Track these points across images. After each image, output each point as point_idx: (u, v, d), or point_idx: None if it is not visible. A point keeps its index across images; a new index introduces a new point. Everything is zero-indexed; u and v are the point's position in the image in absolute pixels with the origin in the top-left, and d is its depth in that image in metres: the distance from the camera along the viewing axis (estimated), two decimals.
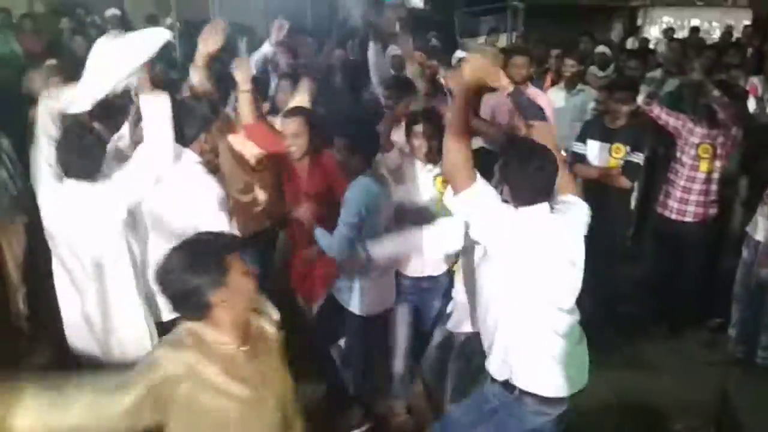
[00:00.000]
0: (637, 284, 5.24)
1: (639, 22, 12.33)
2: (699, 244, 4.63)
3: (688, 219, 4.55)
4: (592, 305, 4.67)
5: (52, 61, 5.65)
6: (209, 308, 1.92)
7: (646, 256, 5.35)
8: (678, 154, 4.57)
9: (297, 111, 3.63)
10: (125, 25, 9.09)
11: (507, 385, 2.59)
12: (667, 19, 12.95)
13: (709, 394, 4.10)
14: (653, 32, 12.61)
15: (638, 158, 4.32)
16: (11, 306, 4.58)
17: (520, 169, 2.43)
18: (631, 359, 4.46)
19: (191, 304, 1.92)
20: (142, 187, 2.87)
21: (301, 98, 4.10)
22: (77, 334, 3.06)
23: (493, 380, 2.64)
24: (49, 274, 3.15)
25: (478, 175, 2.42)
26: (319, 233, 3.29)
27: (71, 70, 4.39)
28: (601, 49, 6.83)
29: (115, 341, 3.00)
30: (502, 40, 12.54)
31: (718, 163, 4.47)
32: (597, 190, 4.44)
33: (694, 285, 4.71)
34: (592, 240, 4.44)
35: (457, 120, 2.45)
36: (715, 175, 4.50)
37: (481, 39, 13.38)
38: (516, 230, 2.43)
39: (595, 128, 4.51)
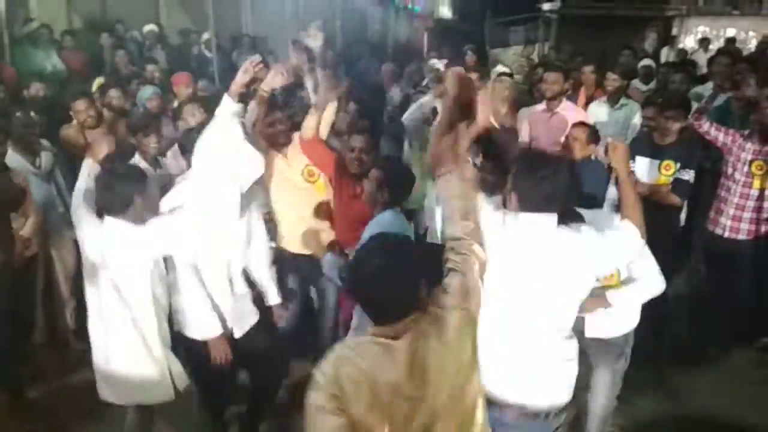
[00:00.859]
0: (684, 302, 5.16)
1: (674, 31, 12.19)
2: (750, 262, 4.53)
3: (741, 237, 4.47)
4: (639, 323, 4.63)
5: (100, 79, 5.75)
6: None
7: (694, 273, 5.27)
8: (729, 171, 4.48)
9: (364, 128, 3.78)
10: (162, 39, 9.22)
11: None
12: (702, 28, 12.82)
13: (760, 415, 4.02)
14: (688, 42, 12.49)
15: (688, 175, 4.23)
16: (59, 320, 4.66)
17: (528, 175, 2.44)
18: (679, 378, 4.39)
19: None
20: (173, 243, 2.92)
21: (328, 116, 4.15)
22: (100, 367, 3.05)
23: None
24: None
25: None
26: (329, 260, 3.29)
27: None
28: (646, 62, 6.74)
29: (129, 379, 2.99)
30: (535, 51, 12.56)
31: None
32: (646, 208, 4.36)
33: (745, 303, 4.62)
34: None
35: (444, 122, 2.41)
36: None
37: (512, 49, 13.37)
38: (504, 234, 2.41)
39: (644, 144, 4.44)
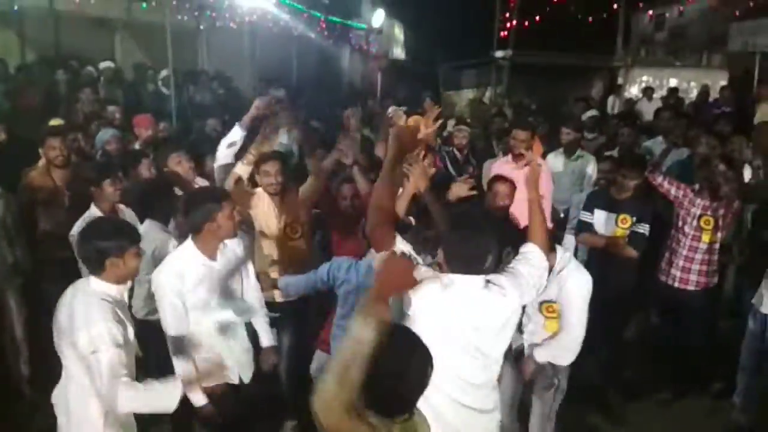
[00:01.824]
0: (637, 348, 5.32)
1: (619, 81, 12.72)
2: (700, 311, 4.71)
3: (690, 287, 4.64)
4: (596, 369, 4.76)
5: (55, 120, 5.62)
6: None
7: (646, 320, 5.45)
8: (680, 224, 4.67)
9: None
10: (119, 76, 9.12)
11: None
12: (645, 78, 13.39)
13: None
14: (633, 91, 13.02)
15: (644, 229, 4.39)
16: (13, 369, 4.49)
17: (453, 236, 2.54)
18: (634, 426, 4.49)
19: None
20: None
21: None
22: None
23: None
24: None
25: (398, 238, 2.57)
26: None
27: None
28: (592, 113, 6.99)
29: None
30: (487, 94, 12.93)
31: (719, 234, 4.57)
32: (603, 259, 4.52)
33: (695, 351, 4.76)
34: (598, 306, 4.52)
35: (382, 187, 2.56)
36: (717, 246, 4.60)
37: (465, 92, 13.71)
38: (436, 297, 2.46)
39: (602, 198, 4.60)
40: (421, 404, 2.34)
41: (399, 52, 20.11)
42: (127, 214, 4.25)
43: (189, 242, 3.19)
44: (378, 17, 15.53)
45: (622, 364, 4.98)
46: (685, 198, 4.64)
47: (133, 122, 6.03)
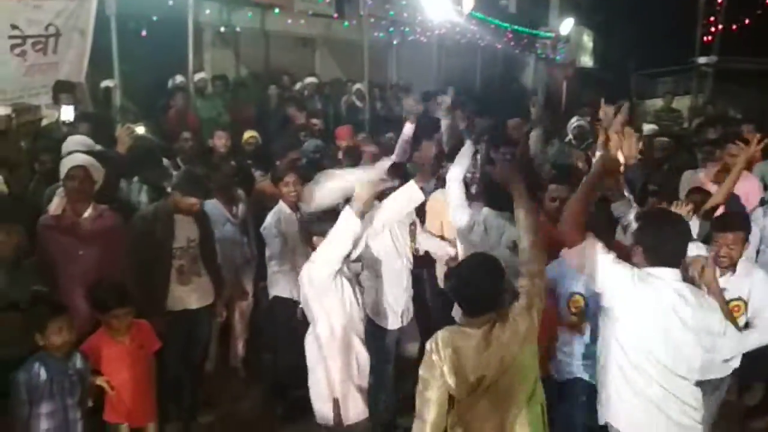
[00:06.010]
0: None
1: None
2: None
3: None
4: None
5: (250, 132, 6.28)
6: None
7: None
8: None
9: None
10: (320, 90, 9.76)
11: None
12: None
13: None
14: None
15: None
16: (231, 349, 5.14)
17: (655, 233, 2.76)
18: None
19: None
20: None
21: None
22: None
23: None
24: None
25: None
26: None
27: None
28: None
29: None
30: (685, 102, 12.11)
31: None
32: None
33: None
34: None
35: (584, 193, 2.96)
36: None
37: (660, 101, 12.99)
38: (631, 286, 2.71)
39: None
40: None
41: (587, 60, 19.53)
42: None
43: None
44: (566, 25, 15.17)
45: None
46: None
47: (335, 133, 6.48)
